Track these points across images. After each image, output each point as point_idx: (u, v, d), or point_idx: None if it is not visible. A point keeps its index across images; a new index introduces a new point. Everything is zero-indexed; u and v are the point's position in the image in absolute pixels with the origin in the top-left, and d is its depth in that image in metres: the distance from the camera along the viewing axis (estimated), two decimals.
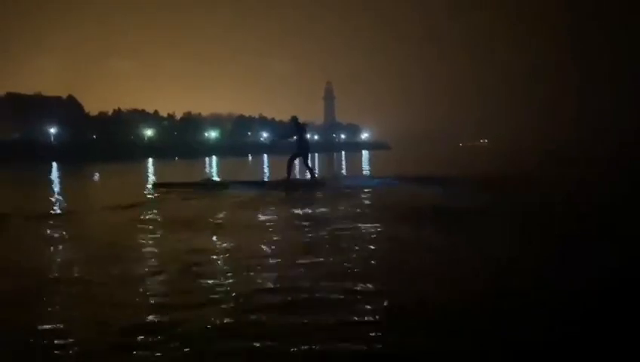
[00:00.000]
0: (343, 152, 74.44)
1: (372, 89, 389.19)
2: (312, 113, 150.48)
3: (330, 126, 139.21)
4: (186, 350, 2.97)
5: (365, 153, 72.77)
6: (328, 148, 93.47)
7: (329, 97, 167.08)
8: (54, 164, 38.46)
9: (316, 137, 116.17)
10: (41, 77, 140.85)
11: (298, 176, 14.71)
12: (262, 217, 7.93)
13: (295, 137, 12.71)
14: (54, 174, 26.18)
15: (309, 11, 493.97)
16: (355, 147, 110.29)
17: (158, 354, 2.93)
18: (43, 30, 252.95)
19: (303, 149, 12.61)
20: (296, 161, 13.09)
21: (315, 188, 11.89)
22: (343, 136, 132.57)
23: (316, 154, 62.39)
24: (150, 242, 6.14)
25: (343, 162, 37.76)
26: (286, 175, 12.37)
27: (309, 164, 13.02)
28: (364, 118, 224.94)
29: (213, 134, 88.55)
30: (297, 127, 12.74)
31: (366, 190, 11.38)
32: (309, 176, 13.24)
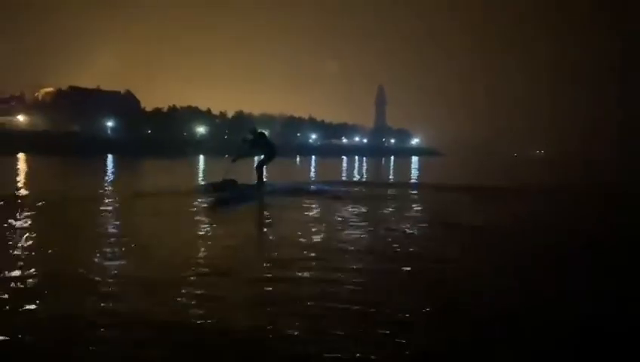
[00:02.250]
0: (392, 157, 73.34)
1: (426, 95, 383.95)
2: (362, 116, 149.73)
3: (380, 130, 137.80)
4: None
5: (415, 159, 71.48)
6: (377, 152, 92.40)
7: (381, 101, 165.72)
8: (109, 157, 39.52)
9: (365, 141, 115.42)
10: (101, 72, 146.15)
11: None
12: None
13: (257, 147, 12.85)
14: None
15: (364, 15, 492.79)
16: (405, 152, 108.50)
17: None
18: (104, 27, 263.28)
19: (271, 155, 12.85)
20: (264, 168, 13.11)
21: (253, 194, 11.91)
22: (392, 140, 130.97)
23: (364, 158, 61.97)
24: None
25: (390, 168, 36.87)
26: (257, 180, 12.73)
27: (263, 169, 12.94)
28: (415, 124, 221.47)
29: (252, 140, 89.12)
30: (261, 138, 13.00)
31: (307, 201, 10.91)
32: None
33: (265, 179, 13.32)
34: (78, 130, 63.00)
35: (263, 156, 12.85)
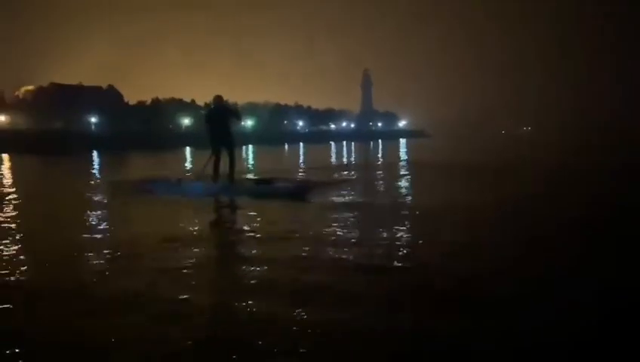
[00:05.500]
0: (380, 141, 73.35)
1: (411, 76, 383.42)
2: (348, 102, 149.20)
3: (367, 114, 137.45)
4: None
5: (403, 141, 71.62)
6: (365, 136, 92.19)
7: (367, 85, 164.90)
8: (95, 153, 38.98)
9: (352, 126, 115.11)
10: (82, 68, 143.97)
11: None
12: None
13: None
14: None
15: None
16: (393, 135, 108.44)
17: None
18: (85, 23, 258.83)
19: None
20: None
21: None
22: (379, 124, 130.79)
23: (352, 143, 61.95)
24: None
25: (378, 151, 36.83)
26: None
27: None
28: (402, 106, 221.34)
29: (249, 123, 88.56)
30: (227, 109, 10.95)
31: None
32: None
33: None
34: (60, 127, 62.00)
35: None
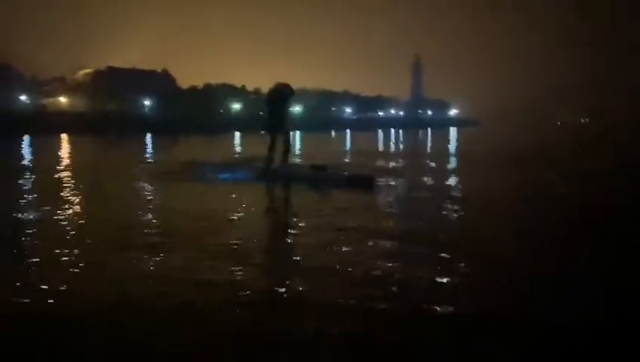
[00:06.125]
0: (429, 129, 72.11)
1: (464, 63, 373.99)
2: (398, 88, 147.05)
3: (417, 102, 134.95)
4: None
5: (453, 130, 70.15)
6: (414, 124, 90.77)
7: (417, 71, 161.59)
8: (149, 136, 40.10)
9: (401, 113, 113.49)
10: (138, 52, 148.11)
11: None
12: None
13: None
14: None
15: None
16: (442, 123, 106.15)
17: None
18: (141, 8, 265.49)
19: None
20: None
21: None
22: (429, 112, 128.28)
23: (400, 131, 61.23)
24: None
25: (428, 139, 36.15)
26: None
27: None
28: (454, 94, 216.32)
29: (297, 109, 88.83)
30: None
31: None
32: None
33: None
34: (115, 109, 64.05)
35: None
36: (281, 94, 10.60)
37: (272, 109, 10.49)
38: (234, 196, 8.24)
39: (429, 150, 24.97)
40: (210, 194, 8.73)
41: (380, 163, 15.22)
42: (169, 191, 9.26)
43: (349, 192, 8.57)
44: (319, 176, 9.48)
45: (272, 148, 10.30)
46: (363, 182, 9.17)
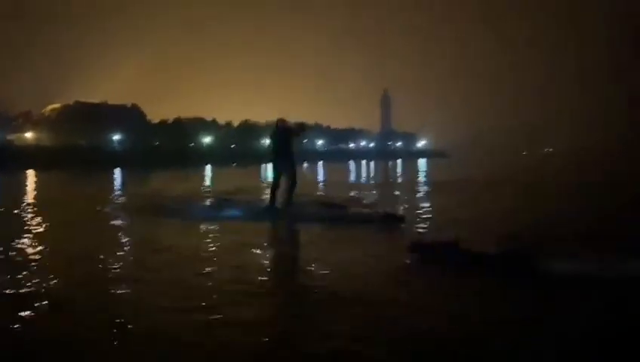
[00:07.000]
0: (399, 160, 73.15)
1: (432, 96, 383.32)
2: (368, 121, 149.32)
3: (386, 134, 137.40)
4: None
5: (422, 161, 71.30)
6: (384, 155, 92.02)
7: (386, 105, 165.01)
8: (118, 170, 39.56)
9: (372, 145, 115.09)
10: (107, 88, 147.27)
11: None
12: None
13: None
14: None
15: (364, 18, 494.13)
16: (412, 155, 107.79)
17: None
18: (109, 43, 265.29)
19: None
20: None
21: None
22: (398, 143, 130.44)
23: (371, 162, 61.94)
24: None
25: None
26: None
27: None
28: (422, 126, 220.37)
29: (268, 141, 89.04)
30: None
31: None
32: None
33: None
34: (84, 144, 63.16)
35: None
36: (289, 131, 10.15)
37: (279, 146, 9.99)
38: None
39: (398, 180, 25.28)
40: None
41: (354, 193, 15.31)
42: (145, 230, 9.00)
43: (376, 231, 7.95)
44: (335, 215, 8.78)
45: (275, 185, 9.80)
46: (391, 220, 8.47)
